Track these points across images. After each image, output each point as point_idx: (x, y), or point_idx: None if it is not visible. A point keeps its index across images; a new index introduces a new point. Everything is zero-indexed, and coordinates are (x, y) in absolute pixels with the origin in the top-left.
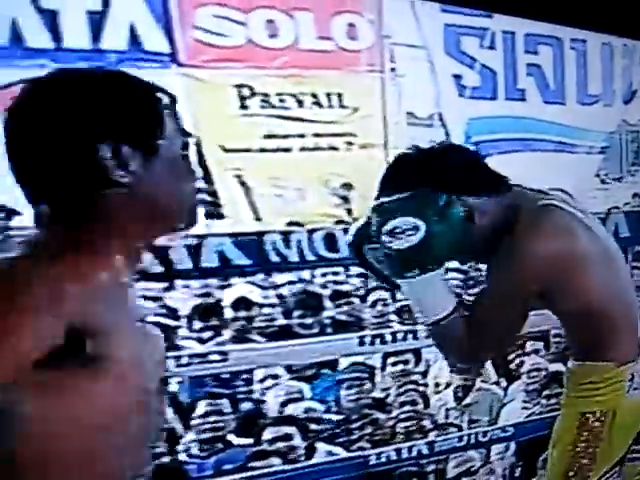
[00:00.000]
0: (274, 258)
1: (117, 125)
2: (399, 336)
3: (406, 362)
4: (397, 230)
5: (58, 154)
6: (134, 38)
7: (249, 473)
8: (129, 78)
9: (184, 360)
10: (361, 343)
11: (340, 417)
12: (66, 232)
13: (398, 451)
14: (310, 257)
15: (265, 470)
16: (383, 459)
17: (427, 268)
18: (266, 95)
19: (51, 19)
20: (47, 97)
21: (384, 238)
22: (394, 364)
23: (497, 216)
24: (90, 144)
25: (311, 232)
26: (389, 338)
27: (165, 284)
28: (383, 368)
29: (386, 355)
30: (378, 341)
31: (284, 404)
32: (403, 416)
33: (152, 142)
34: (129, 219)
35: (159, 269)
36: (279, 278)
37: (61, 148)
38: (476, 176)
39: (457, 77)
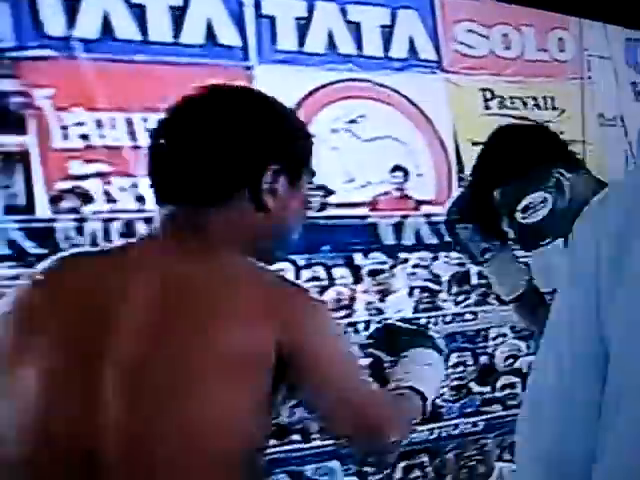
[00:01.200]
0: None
1: (284, 152)
2: None
3: None
4: (530, 206)
5: (218, 164)
6: (412, 48)
7: (482, 417)
8: (290, 110)
9: (447, 319)
10: None
11: None
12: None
13: None
14: None
15: (494, 414)
16: None
17: (554, 237)
18: (502, 98)
19: (356, 30)
20: (226, 110)
21: (519, 215)
22: None
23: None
24: (256, 162)
25: None
26: None
27: (434, 254)
28: None
29: None
30: None
31: (507, 358)
32: None
33: (301, 176)
34: (247, 235)
35: (433, 240)
36: None
37: (223, 159)
38: (568, 153)
39: (633, 84)
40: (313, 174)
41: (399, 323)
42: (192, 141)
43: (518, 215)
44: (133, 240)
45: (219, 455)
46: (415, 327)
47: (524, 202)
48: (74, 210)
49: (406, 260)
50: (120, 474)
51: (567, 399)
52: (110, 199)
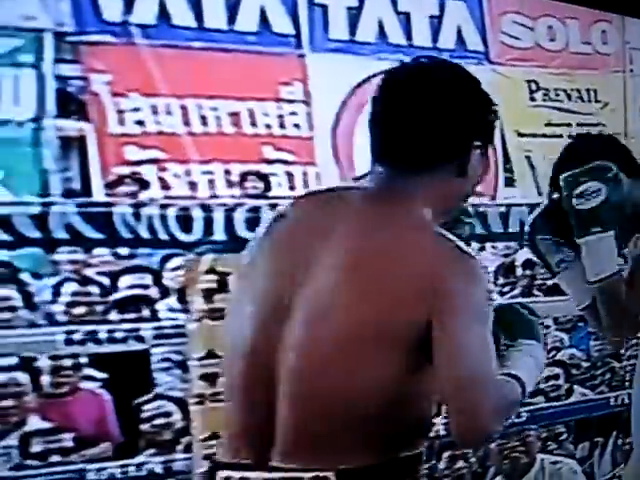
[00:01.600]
0: None
1: (486, 126)
2: None
3: None
4: (586, 192)
5: (443, 136)
6: (460, 39)
7: (525, 408)
8: (477, 80)
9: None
10: None
11: (589, 364)
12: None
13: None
14: None
15: (538, 406)
16: (619, 402)
17: (605, 227)
18: (547, 90)
19: (406, 20)
20: (457, 84)
21: (574, 200)
22: None
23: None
24: (469, 137)
25: None
26: None
27: (479, 245)
28: None
29: None
30: None
31: (550, 350)
32: (630, 367)
33: (488, 144)
34: (441, 200)
35: (480, 231)
36: None
37: (448, 132)
38: (630, 160)
39: None
40: (492, 146)
41: (521, 308)
42: (424, 112)
43: (574, 200)
44: (353, 187)
45: (359, 412)
46: (533, 316)
47: (580, 188)
48: (131, 195)
49: None
50: (287, 399)
51: None
52: (165, 185)
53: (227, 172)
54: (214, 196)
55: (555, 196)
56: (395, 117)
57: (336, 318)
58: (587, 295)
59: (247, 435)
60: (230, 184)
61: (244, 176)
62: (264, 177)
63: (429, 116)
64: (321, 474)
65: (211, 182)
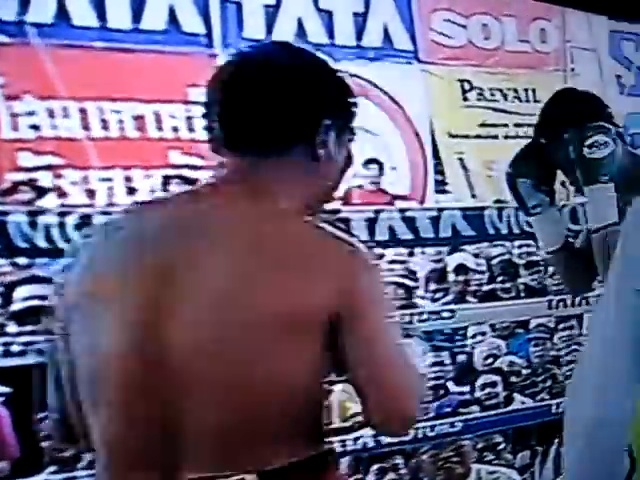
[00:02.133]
0: (490, 230)
1: (336, 108)
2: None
3: (572, 327)
4: (596, 143)
5: (285, 115)
6: (387, 38)
7: (461, 417)
8: (322, 60)
9: (424, 316)
10: (549, 307)
11: (529, 371)
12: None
13: None
14: (516, 230)
15: (473, 415)
16: (561, 409)
17: (609, 178)
18: (481, 89)
19: (328, 18)
20: (292, 66)
21: (586, 150)
22: (563, 329)
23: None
24: (315, 116)
25: (517, 209)
26: (568, 303)
27: (409, 250)
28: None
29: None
30: (562, 305)
31: (487, 357)
32: (570, 373)
33: (345, 132)
34: (303, 186)
35: (408, 236)
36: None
37: (290, 111)
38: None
39: (618, 77)
40: (354, 133)
41: None
42: (262, 93)
43: (585, 150)
44: (193, 188)
45: (277, 407)
46: None
47: (591, 140)
48: (26, 203)
49: (381, 256)
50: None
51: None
52: (62, 193)
53: (128, 179)
54: (112, 204)
55: (541, 141)
56: (233, 100)
57: (234, 315)
58: (557, 240)
59: (140, 453)
60: (131, 191)
61: (167, 180)
62: (188, 180)
63: (266, 95)
64: (243, 476)
65: (110, 189)
